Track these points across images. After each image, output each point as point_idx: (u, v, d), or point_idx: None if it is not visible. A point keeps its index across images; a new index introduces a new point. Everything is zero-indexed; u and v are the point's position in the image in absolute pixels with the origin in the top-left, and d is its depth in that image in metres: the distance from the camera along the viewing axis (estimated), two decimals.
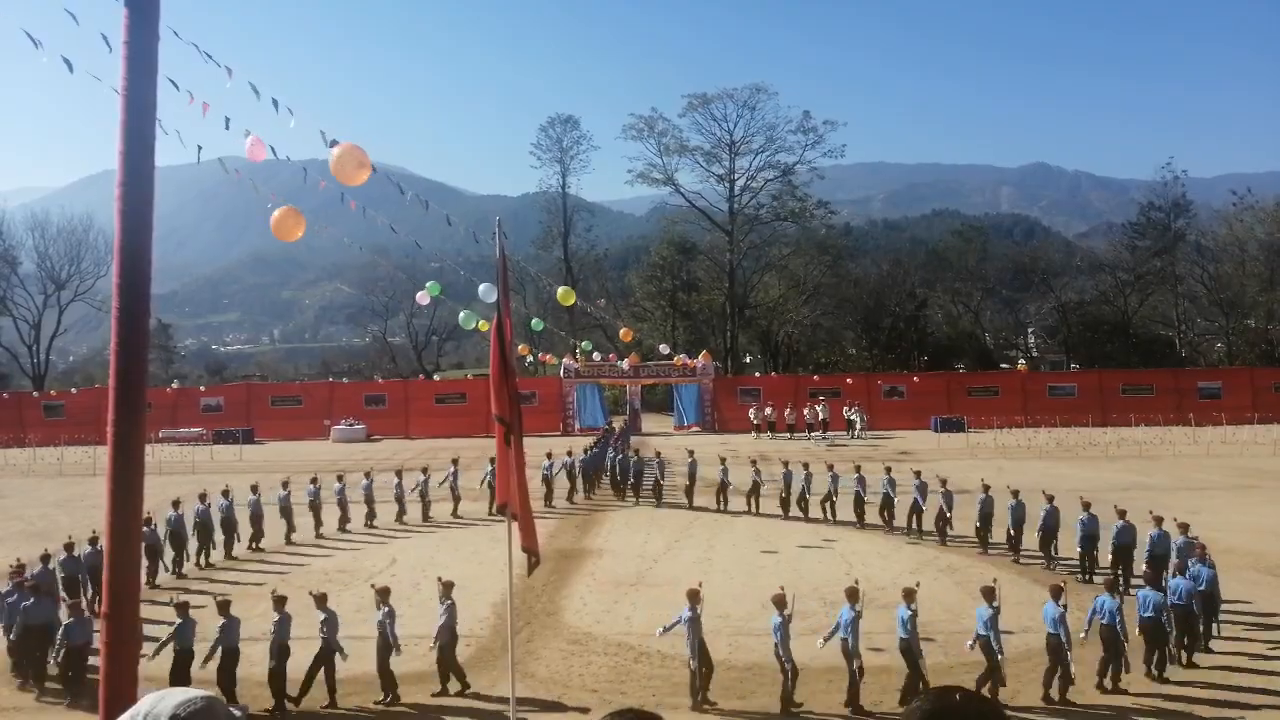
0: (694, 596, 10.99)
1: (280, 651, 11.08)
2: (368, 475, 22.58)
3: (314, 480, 21.40)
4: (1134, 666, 11.21)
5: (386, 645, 11.30)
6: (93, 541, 15.31)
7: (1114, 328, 66.30)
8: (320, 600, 11.58)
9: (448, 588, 11.84)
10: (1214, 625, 12.66)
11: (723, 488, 23.07)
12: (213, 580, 17.28)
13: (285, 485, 20.72)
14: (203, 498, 18.81)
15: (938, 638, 13.05)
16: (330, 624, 11.27)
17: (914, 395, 46.99)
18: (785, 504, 22.14)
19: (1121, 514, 15.67)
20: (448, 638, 11.49)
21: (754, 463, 23.62)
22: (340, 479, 22.09)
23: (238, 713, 1.93)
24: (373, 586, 12.34)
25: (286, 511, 20.20)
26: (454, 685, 11.50)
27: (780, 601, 10.91)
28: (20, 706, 11.52)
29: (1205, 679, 11.47)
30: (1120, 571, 14.81)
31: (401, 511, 22.25)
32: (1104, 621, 11.03)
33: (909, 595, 11.04)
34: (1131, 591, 13.70)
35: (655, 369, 49.00)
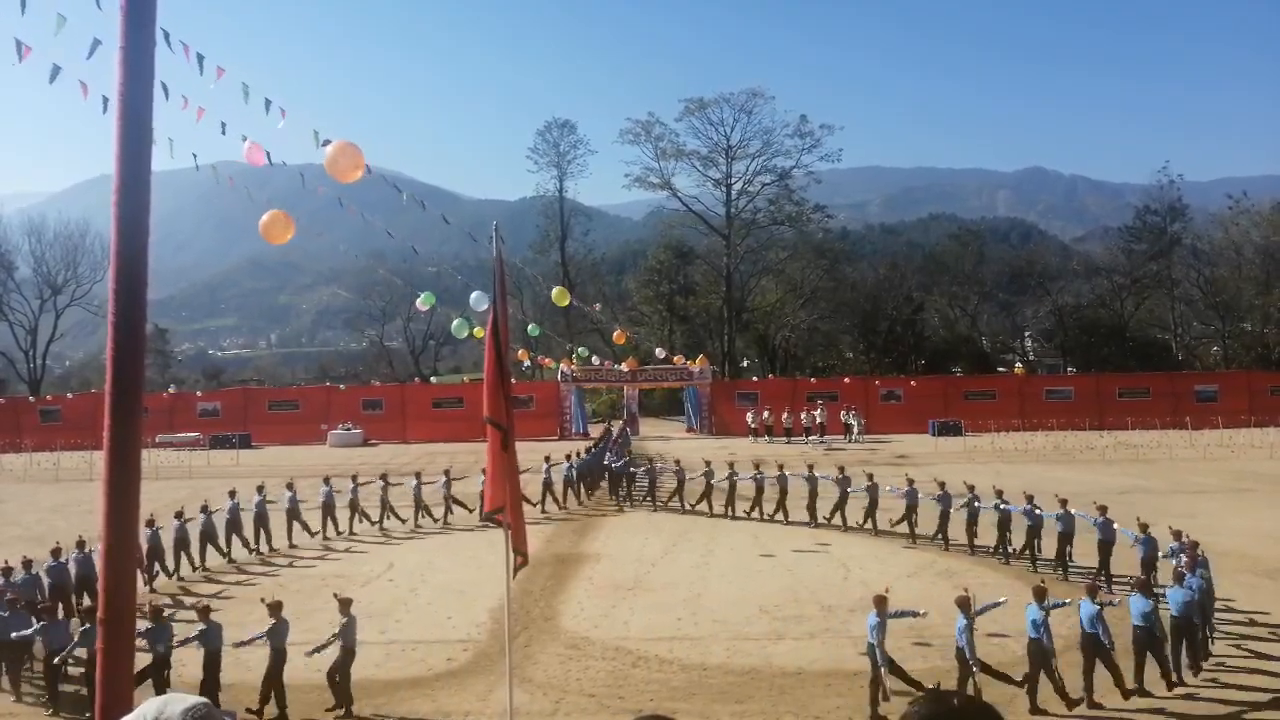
0: (881, 603, 10.84)
1: (346, 654, 11.06)
2: (354, 479, 22.43)
3: (289, 485, 21.25)
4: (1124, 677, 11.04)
5: (280, 658, 11.03)
6: (80, 546, 15.18)
7: (1110, 331, 66.38)
8: (274, 609, 11.28)
9: (345, 604, 11.37)
10: (1209, 636, 12.50)
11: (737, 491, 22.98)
12: (214, 583, 17.24)
13: (286, 488, 20.59)
14: (179, 515, 18.37)
15: (935, 642, 13.04)
16: (279, 631, 11.08)
17: (911, 399, 47.02)
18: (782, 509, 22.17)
19: (1144, 528, 15.34)
20: (343, 656, 11.05)
21: (756, 466, 23.62)
22: (327, 481, 21.98)
23: (228, 718, 1.96)
24: (263, 600, 12.00)
25: (261, 518, 19.89)
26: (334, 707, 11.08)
27: (881, 602, 10.84)
28: (15, 713, 11.48)
29: (1203, 683, 11.45)
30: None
31: (383, 515, 22.06)
32: (1086, 629, 10.88)
33: (964, 604, 10.83)
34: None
35: (653, 373, 49.05)
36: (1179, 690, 11.21)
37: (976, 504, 18.36)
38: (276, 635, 11.01)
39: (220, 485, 25.74)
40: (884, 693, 10.51)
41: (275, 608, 11.26)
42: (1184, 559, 13.09)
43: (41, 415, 48.05)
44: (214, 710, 1.94)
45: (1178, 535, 14.70)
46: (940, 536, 18.99)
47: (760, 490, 22.48)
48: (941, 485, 19.03)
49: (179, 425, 46.37)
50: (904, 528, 19.78)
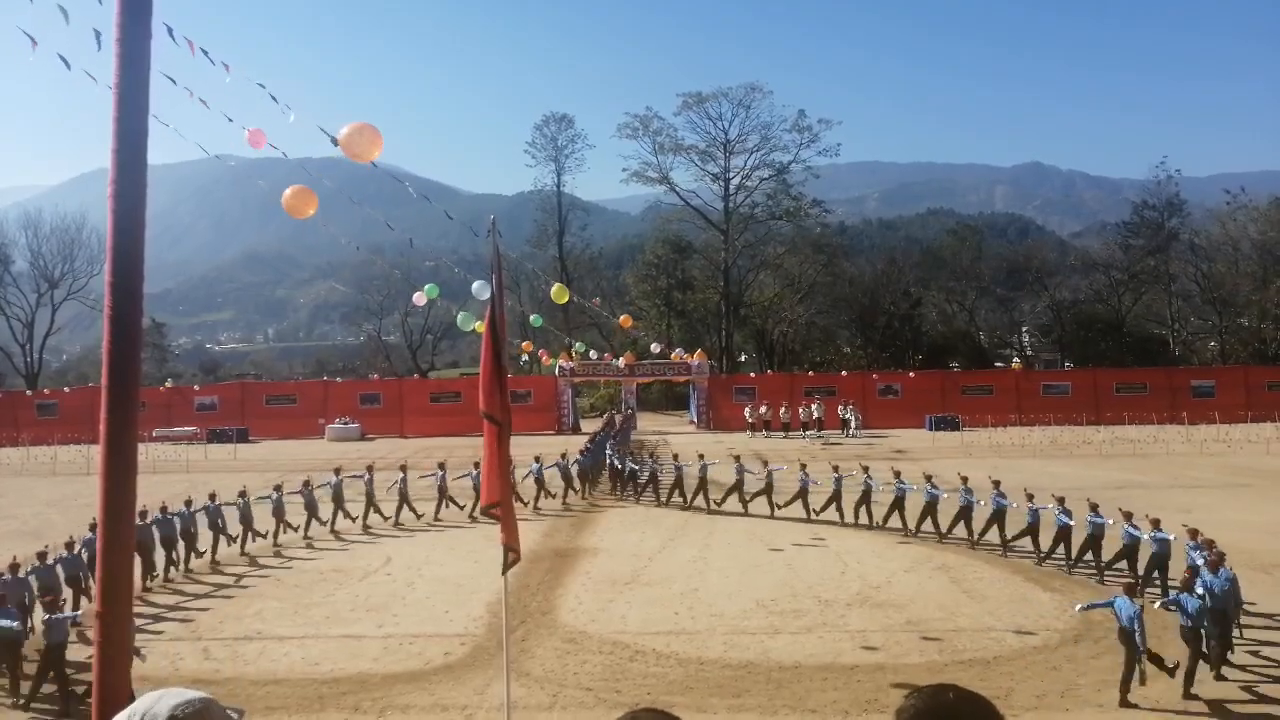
0: (1131, 590, 11.06)
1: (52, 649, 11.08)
2: (370, 471, 22.45)
3: (307, 482, 21.23)
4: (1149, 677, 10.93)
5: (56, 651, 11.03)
6: (68, 546, 15.05)
7: (1108, 326, 66.49)
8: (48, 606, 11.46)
9: (49, 605, 11.51)
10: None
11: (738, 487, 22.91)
12: (210, 579, 17.25)
13: (304, 485, 20.67)
14: (188, 503, 18.36)
15: (932, 635, 13.08)
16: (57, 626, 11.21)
17: (909, 394, 47.08)
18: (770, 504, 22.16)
19: (1155, 523, 15.05)
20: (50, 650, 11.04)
21: (737, 458, 23.68)
22: (337, 473, 21.98)
23: (234, 714, 1.92)
24: (44, 600, 12.04)
25: (279, 510, 20.01)
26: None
27: (1131, 589, 11.11)
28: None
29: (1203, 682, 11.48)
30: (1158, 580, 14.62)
31: (365, 513, 21.95)
32: (1122, 625, 10.81)
33: (1130, 590, 11.17)
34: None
35: (651, 367, 49.06)
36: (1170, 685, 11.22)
37: (970, 498, 18.39)
38: (53, 630, 11.06)
39: (217, 480, 25.82)
40: (1141, 677, 10.65)
41: (50, 605, 11.45)
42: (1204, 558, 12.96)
43: (38, 409, 48.01)
44: (212, 706, 1.87)
45: (1156, 524, 14.82)
46: (934, 528, 19.14)
47: (740, 482, 22.49)
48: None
49: (176, 419, 46.36)
50: (925, 524, 19.55)
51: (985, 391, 47.52)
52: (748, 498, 22.41)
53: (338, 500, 21.23)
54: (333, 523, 21.13)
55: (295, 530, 20.36)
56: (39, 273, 63.98)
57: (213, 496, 19.09)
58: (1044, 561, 17.02)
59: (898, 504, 19.82)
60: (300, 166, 10.69)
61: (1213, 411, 43.15)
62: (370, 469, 22.39)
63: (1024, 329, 74.82)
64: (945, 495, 19.11)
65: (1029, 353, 73.86)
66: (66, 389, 53.81)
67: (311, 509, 20.62)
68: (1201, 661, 11.09)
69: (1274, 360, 57.38)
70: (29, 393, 53.52)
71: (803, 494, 21.52)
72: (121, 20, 3.99)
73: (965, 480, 19.20)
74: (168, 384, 55.15)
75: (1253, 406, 44.51)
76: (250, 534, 19.38)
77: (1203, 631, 11.06)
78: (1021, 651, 12.31)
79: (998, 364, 65.84)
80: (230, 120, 9.12)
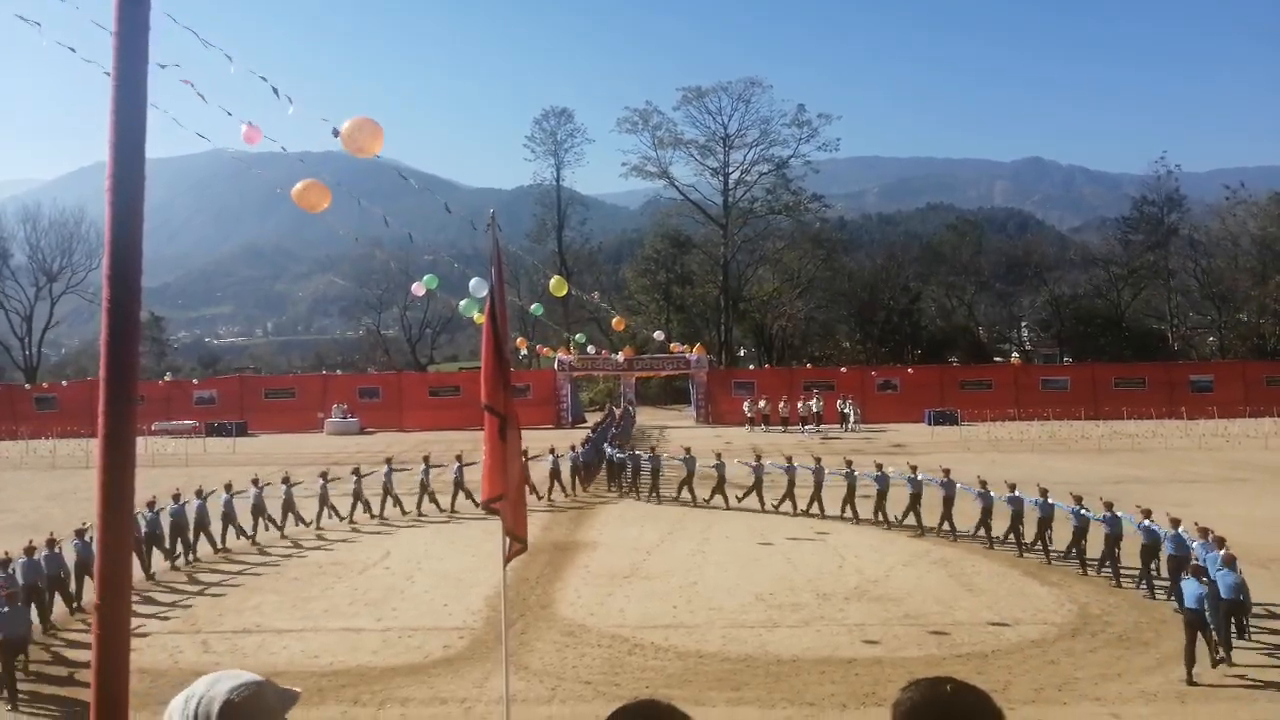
0: (1199, 572, 11.52)
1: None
2: (426, 459, 23.05)
3: (323, 474, 21.51)
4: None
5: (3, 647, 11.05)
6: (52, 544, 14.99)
7: (1107, 321, 66.50)
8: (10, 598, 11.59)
9: (10, 597, 11.52)
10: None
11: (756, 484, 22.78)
12: (211, 571, 17.26)
13: (286, 480, 20.81)
14: (229, 487, 19.13)
15: (931, 629, 13.10)
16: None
17: (907, 388, 47.06)
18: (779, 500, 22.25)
19: (1108, 505, 15.73)
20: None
21: (687, 450, 23.87)
22: (388, 463, 22.49)
23: (290, 694, 2.00)
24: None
25: (323, 497, 20.68)
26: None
27: (1199, 571, 11.47)
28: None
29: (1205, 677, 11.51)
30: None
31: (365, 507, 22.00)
32: (1190, 606, 11.14)
33: (1199, 572, 11.56)
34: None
35: (649, 361, 49.05)
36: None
37: (970, 490, 18.55)
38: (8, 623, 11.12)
39: (216, 474, 25.80)
40: (1211, 654, 11.03)
41: (11, 598, 11.53)
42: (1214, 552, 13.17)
43: (37, 403, 47.99)
44: (265, 688, 1.91)
45: (1109, 506, 15.52)
46: (947, 524, 19.06)
47: (690, 475, 22.90)
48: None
49: (175, 413, 46.35)
50: (911, 519, 19.63)
51: (984, 386, 47.52)
52: (703, 491, 22.92)
53: (387, 490, 21.71)
54: (381, 512, 21.65)
55: (341, 519, 21.02)
56: (37, 266, 63.96)
57: (255, 481, 19.81)
58: (995, 546, 17.79)
59: (850, 492, 20.40)
60: (299, 160, 10.66)
61: (1211, 406, 43.15)
62: (324, 475, 21.96)
63: (1023, 324, 74.85)
64: (894, 482, 19.72)
65: (1028, 348, 73.87)
66: (65, 382, 53.79)
67: (358, 496, 21.24)
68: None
69: (1273, 355, 57.43)
70: (28, 386, 53.48)
71: (757, 486, 21.82)
72: (120, 11, 3.98)
73: (915, 469, 19.74)
74: (167, 378, 55.12)
75: (1251, 401, 44.49)
76: (294, 518, 20.03)
77: (1206, 619, 11.21)
78: (1019, 645, 12.34)
79: (997, 359, 65.81)
80: (229, 115, 9.10)
